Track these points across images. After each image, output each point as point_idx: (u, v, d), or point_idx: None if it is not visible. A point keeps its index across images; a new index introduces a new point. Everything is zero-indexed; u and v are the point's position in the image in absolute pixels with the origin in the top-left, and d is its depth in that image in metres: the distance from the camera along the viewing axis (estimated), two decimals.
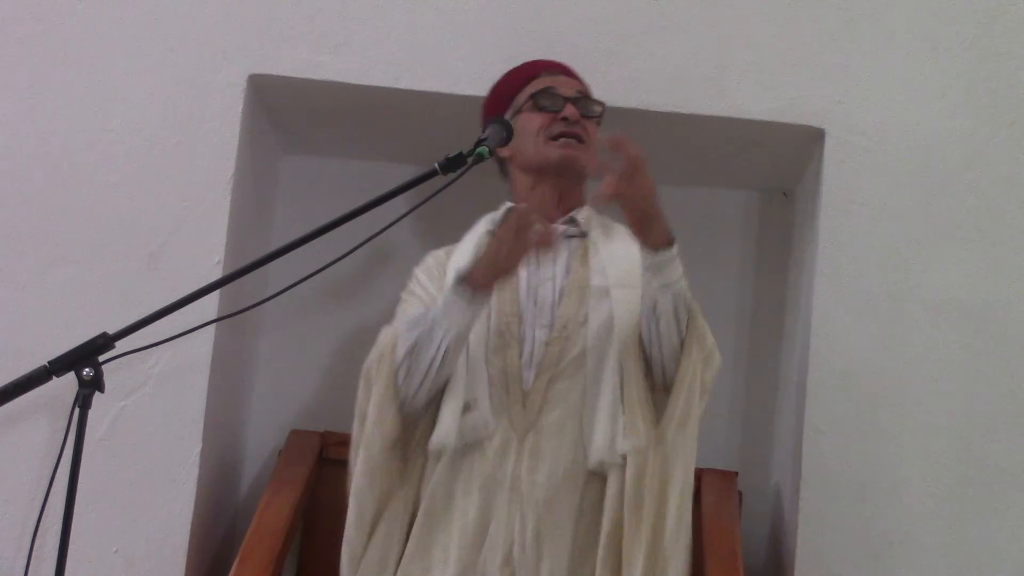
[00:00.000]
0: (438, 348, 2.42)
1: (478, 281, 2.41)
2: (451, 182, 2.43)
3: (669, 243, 2.42)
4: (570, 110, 2.60)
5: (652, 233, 2.40)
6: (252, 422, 3.52)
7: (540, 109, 2.63)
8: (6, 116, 3.10)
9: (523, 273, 2.54)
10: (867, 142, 3.12)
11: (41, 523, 2.29)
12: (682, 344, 2.45)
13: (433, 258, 2.69)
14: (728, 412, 3.52)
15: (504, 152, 2.63)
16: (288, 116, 3.38)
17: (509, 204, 2.69)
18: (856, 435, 3.03)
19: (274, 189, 3.57)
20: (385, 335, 2.51)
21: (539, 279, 2.56)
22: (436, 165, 2.37)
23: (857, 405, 3.03)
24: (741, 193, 3.62)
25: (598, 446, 2.44)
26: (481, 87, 3.07)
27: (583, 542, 2.44)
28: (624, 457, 2.42)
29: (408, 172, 2.40)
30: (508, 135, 2.48)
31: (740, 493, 3.25)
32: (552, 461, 2.42)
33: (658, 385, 2.49)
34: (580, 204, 2.67)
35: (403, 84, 3.12)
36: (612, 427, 2.44)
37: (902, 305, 3.06)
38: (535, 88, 2.67)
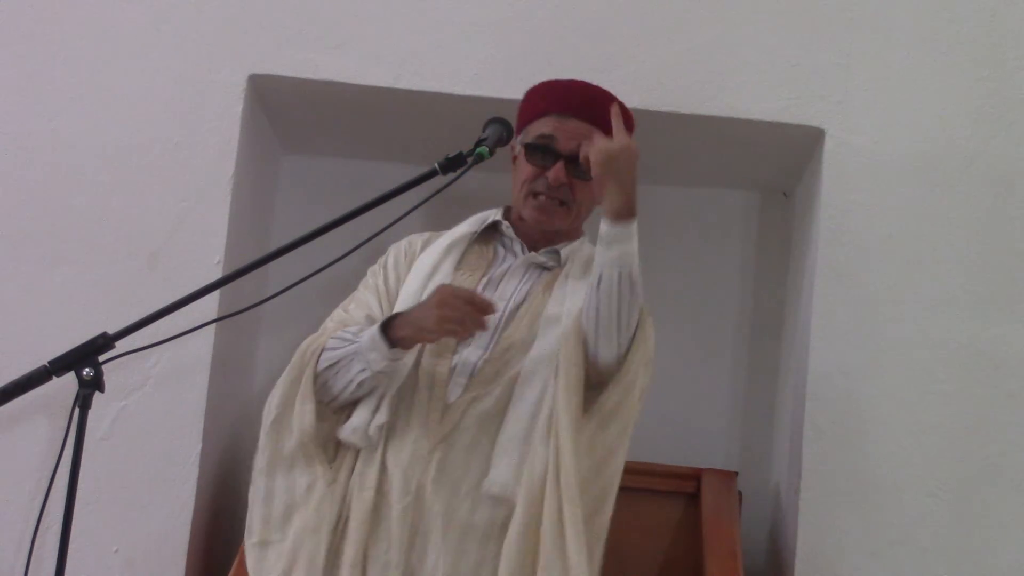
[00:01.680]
0: (351, 380, 2.40)
1: (399, 334, 2.36)
2: (451, 182, 2.43)
3: (630, 217, 2.35)
4: (555, 173, 2.50)
5: (617, 200, 2.33)
6: (252, 422, 3.51)
7: (530, 162, 2.54)
8: (6, 116, 3.10)
9: (477, 289, 2.50)
10: (867, 142, 3.12)
11: (41, 523, 2.29)
12: (630, 343, 2.37)
13: (408, 243, 2.64)
14: (728, 412, 3.52)
15: (512, 158, 2.62)
16: (288, 116, 3.38)
17: (498, 214, 2.65)
18: (856, 435, 3.03)
19: (274, 189, 3.57)
20: (317, 337, 2.48)
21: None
22: (436, 165, 2.37)
23: (857, 405, 3.03)
24: (741, 193, 3.62)
25: (500, 474, 2.36)
26: (481, 87, 3.08)
27: (476, 561, 2.36)
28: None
29: (408, 172, 2.40)
30: (508, 135, 2.48)
31: (740, 493, 3.24)
32: (457, 477, 2.37)
33: (594, 383, 2.39)
34: (569, 237, 2.61)
35: (403, 84, 3.12)
36: (519, 458, 2.36)
37: (902, 305, 3.06)
38: (538, 131, 2.54)
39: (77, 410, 2.10)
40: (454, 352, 2.44)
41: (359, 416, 2.41)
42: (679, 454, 3.32)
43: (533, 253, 2.58)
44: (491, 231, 2.64)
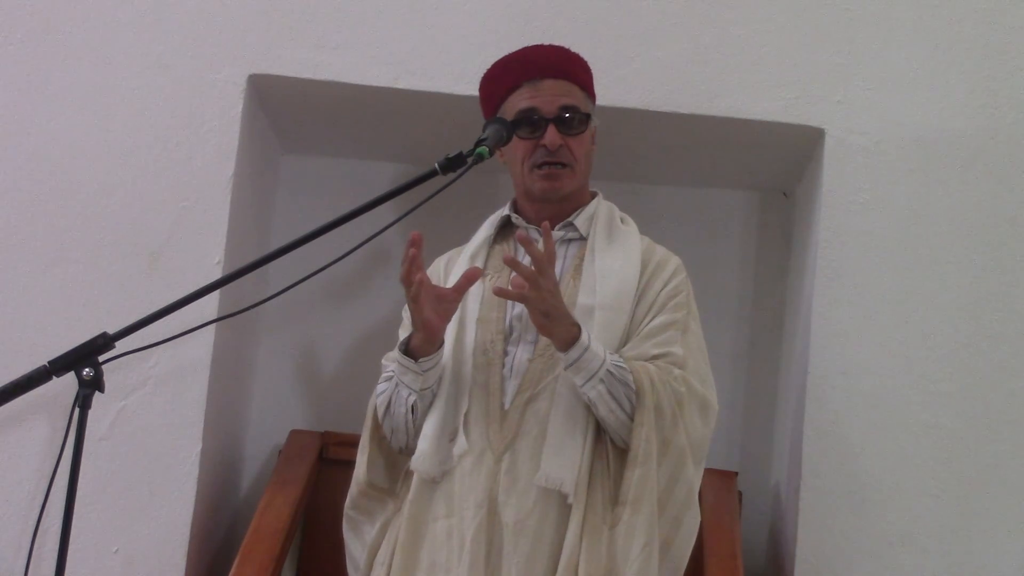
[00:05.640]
0: (407, 409, 2.47)
1: (413, 344, 2.43)
2: (451, 182, 2.43)
3: (576, 338, 2.34)
4: (550, 137, 2.49)
5: (557, 332, 2.33)
6: (252, 422, 3.52)
7: (522, 137, 2.51)
8: (6, 116, 3.10)
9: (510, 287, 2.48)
10: (867, 142, 3.12)
11: (41, 523, 2.29)
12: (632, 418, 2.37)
13: (433, 268, 2.65)
14: (728, 412, 3.52)
15: (500, 157, 2.57)
16: (288, 116, 3.38)
17: (506, 209, 2.65)
18: (856, 435, 3.03)
19: (274, 189, 3.57)
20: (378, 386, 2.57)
21: None
22: (436, 165, 2.37)
23: (857, 405, 3.03)
24: (741, 193, 3.62)
25: (552, 471, 2.35)
26: None
27: (551, 564, 2.35)
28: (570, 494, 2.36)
29: (408, 172, 2.40)
30: (508, 135, 2.47)
31: (740, 493, 3.25)
32: (526, 483, 2.37)
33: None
34: (581, 204, 2.60)
35: (403, 84, 3.12)
36: (571, 456, 2.36)
37: (902, 305, 3.06)
38: (518, 105, 2.52)
39: (77, 410, 2.10)
40: (502, 356, 2.46)
41: (423, 444, 2.43)
42: None
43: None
44: (507, 229, 2.63)
